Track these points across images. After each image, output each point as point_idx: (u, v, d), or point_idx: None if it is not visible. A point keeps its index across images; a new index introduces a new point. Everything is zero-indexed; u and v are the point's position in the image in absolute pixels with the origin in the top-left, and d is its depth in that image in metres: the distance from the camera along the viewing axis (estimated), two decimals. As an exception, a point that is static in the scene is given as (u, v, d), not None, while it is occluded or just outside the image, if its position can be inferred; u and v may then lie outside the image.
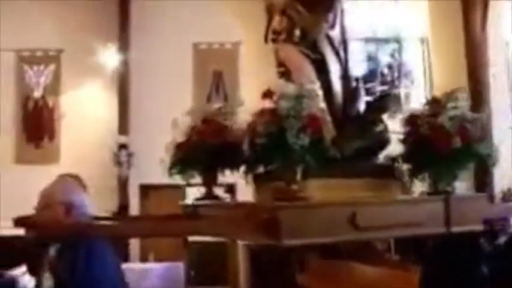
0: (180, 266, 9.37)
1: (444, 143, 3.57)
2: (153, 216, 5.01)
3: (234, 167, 4.18)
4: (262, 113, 3.39)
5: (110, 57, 11.20)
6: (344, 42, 4.41)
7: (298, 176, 3.29)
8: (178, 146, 4.29)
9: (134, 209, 11.20)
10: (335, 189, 3.76)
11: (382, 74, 11.81)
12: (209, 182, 4.31)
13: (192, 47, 11.59)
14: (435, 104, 3.76)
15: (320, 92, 3.69)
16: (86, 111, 11.60)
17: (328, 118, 3.47)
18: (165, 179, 4.27)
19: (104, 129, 11.26)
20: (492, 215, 4.27)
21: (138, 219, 6.35)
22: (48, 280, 3.02)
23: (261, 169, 3.73)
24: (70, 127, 11.68)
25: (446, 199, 3.60)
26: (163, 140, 4.32)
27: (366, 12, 10.91)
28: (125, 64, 11.40)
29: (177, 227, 3.77)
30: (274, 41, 4.40)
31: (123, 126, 11.61)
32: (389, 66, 11.96)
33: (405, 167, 3.85)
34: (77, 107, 11.68)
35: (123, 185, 11.27)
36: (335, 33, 4.49)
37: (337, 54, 4.35)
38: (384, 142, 4.16)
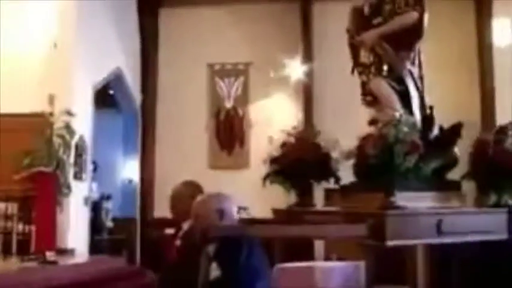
0: (360, 266, 10.40)
1: (509, 165, 4.48)
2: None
3: (324, 178, 5.32)
4: (369, 137, 4.48)
5: (294, 68, 12.58)
6: (421, 76, 5.29)
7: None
8: (274, 160, 5.50)
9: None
10: (421, 200, 4.74)
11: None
12: (303, 191, 5.44)
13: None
14: (501, 131, 4.64)
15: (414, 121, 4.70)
16: (272, 119, 12.95)
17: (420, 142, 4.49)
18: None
19: (290, 136, 12.55)
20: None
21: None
22: (215, 270, 3.69)
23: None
24: (259, 135, 13.09)
25: (509, 211, 4.50)
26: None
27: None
28: (309, 73, 12.70)
29: (295, 231, 4.84)
30: (360, 73, 5.41)
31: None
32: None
33: (473, 183, 4.79)
34: (264, 115, 13.36)
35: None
36: (415, 68, 5.44)
37: (416, 86, 5.25)
38: (456, 161, 5.10)
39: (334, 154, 5.45)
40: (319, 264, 11.00)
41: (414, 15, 5.64)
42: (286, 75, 12.77)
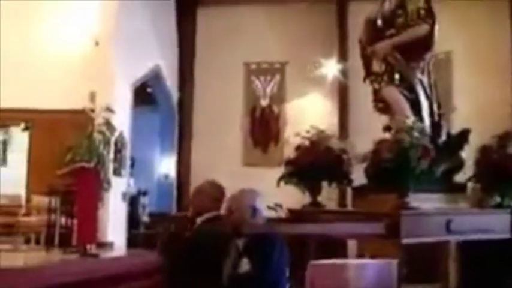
0: (393, 263, 10.71)
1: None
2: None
3: (337, 180, 5.73)
4: (384, 142, 4.89)
5: (330, 67, 13.01)
6: (430, 85, 5.66)
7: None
8: (289, 162, 5.95)
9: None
10: (431, 201, 5.14)
11: None
12: (314, 192, 5.84)
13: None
14: (504, 138, 5.03)
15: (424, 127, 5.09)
16: (308, 117, 13.32)
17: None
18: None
19: (325, 135, 12.99)
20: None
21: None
22: (246, 265, 3.87)
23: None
24: (294, 133, 13.46)
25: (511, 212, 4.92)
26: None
27: None
28: (344, 73, 13.07)
29: (317, 229, 5.22)
30: (372, 81, 5.79)
31: (343, 132, 13.15)
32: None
33: (478, 185, 5.18)
34: (300, 114, 13.89)
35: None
36: (425, 77, 5.82)
37: (426, 94, 5.63)
38: (462, 165, 5.51)
39: (349, 157, 5.87)
40: (353, 261, 11.35)
41: (425, 27, 6.09)
42: (321, 75, 13.23)
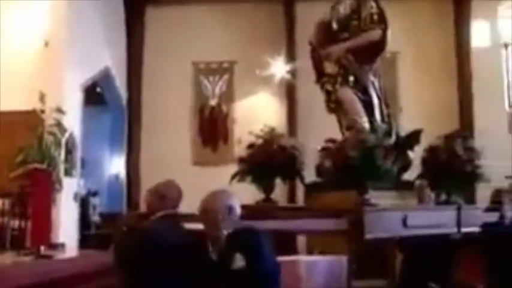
0: (343, 260, 10.94)
1: (459, 168, 5.26)
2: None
3: (289, 177, 6.02)
4: (346, 141, 5.18)
5: (278, 67, 13.34)
6: (380, 87, 6.01)
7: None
8: (242, 160, 6.19)
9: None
10: (384, 198, 5.46)
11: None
12: (268, 189, 6.09)
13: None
14: (450, 138, 5.42)
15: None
16: (257, 116, 13.61)
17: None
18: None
19: (274, 133, 13.28)
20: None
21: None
22: (241, 261, 3.95)
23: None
24: (242, 132, 13.68)
25: (458, 208, 5.32)
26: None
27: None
28: (292, 73, 13.35)
29: (278, 225, 5.45)
30: (325, 82, 6.08)
31: (292, 130, 13.45)
32: None
33: (425, 182, 5.56)
34: (248, 113, 14.22)
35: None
36: (376, 79, 6.18)
37: (377, 96, 5.98)
38: (410, 164, 5.90)
39: (301, 154, 6.13)
40: (304, 258, 11.59)
41: (378, 32, 6.40)
42: (270, 74, 13.47)
